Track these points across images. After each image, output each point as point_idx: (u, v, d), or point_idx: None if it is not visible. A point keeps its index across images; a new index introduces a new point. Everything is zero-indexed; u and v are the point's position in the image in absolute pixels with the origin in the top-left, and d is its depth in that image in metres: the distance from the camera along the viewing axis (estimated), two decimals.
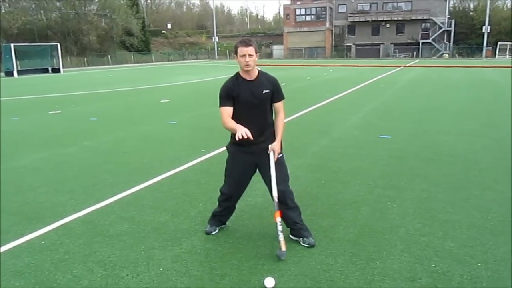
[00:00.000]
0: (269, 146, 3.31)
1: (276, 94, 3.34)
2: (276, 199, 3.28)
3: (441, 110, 10.34)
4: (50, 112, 11.04)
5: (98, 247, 3.43)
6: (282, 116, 3.40)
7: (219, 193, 3.65)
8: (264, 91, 3.26)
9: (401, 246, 3.37)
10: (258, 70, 3.30)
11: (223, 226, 3.73)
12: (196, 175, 5.37)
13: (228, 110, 3.26)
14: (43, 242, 3.55)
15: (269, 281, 2.83)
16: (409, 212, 4.05)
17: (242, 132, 3.07)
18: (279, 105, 3.38)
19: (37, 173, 5.58)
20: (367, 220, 3.89)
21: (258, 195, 4.48)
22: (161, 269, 3.09)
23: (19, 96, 15.51)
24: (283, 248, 3.16)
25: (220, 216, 3.68)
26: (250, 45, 3.14)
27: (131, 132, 8.30)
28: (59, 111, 11.19)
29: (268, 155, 3.31)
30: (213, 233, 3.64)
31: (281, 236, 3.18)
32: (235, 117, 3.27)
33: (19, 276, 3.02)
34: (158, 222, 3.91)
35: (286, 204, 3.35)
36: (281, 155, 3.41)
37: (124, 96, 14.84)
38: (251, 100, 3.24)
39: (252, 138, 3.12)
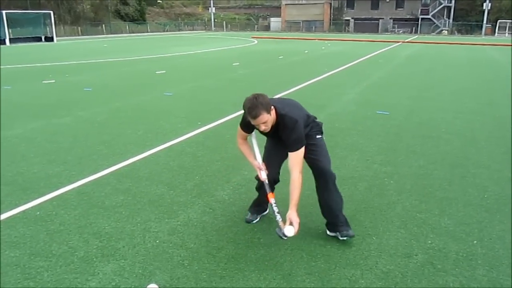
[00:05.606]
0: (287, 216, 2.69)
1: (287, 143, 2.83)
2: (266, 181, 3.01)
3: (439, 87, 10.27)
4: (43, 82, 10.86)
5: (94, 219, 3.41)
6: (295, 177, 2.76)
7: (256, 181, 3.33)
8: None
9: (397, 222, 3.38)
10: (277, 118, 2.82)
11: (264, 213, 3.47)
12: (192, 147, 5.32)
13: (243, 134, 3.08)
14: (38, 212, 3.52)
15: (289, 230, 2.62)
16: (406, 188, 4.05)
17: (259, 173, 3.01)
18: (291, 159, 2.82)
19: (31, 143, 5.50)
20: (364, 196, 3.88)
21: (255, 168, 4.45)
22: (157, 241, 3.08)
23: (12, 64, 15.22)
24: (283, 227, 2.71)
25: (263, 203, 3.36)
26: (259, 115, 2.65)
27: (126, 103, 8.19)
28: (53, 81, 11.01)
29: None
30: (254, 221, 3.38)
31: (278, 217, 2.78)
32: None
33: (14, 247, 3.00)
34: (154, 194, 3.88)
35: (328, 186, 3.08)
36: (319, 137, 3.07)
37: (119, 67, 14.61)
38: (275, 138, 3.00)
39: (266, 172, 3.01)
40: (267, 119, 2.71)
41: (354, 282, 2.62)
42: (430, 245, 3.04)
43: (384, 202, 3.74)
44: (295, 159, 2.80)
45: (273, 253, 2.91)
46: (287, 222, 2.65)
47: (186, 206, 3.65)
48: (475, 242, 3.09)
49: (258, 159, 3.06)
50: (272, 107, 2.75)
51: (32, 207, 3.62)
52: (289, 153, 2.83)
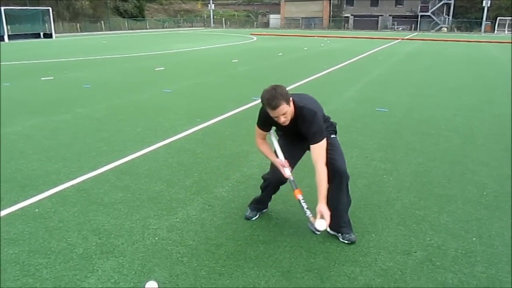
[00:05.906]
0: (317, 209, 2.65)
1: (308, 136, 2.77)
2: (291, 178, 2.94)
3: (439, 84, 10.27)
4: (42, 78, 10.83)
5: (93, 216, 3.40)
6: (321, 169, 2.72)
7: (262, 180, 3.29)
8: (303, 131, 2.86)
9: (397, 219, 3.38)
10: (295, 110, 2.78)
11: (264, 210, 3.44)
12: (191, 144, 5.31)
13: (261, 133, 3.02)
14: (36, 210, 3.51)
15: (321, 224, 2.57)
16: (405, 185, 4.05)
17: (283, 170, 2.89)
18: (314, 151, 2.75)
19: (30, 140, 5.49)
20: (363, 192, 3.88)
21: (254, 165, 4.46)
22: (156, 238, 3.08)
23: (11, 61, 15.19)
24: (314, 221, 2.64)
25: (265, 201, 3.41)
26: (279, 105, 2.61)
27: (125, 99, 8.17)
28: (52, 77, 10.98)
29: None
30: (253, 218, 3.36)
31: (308, 213, 2.70)
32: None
33: (13, 244, 2.99)
34: (153, 191, 3.88)
35: (342, 187, 3.00)
36: (334, 136, 3.07)
37: (117, 63, 14.57)
38: (292, 134, 2.95)
39: (290, 169, 2.91)
40: (286, 110, 2.66)
41: (353, 279, 2.62)
42: (429, 242, 3.04)
43: (383, 199, 3.74)
44: (319, 151, 2.75)
45: (272, 250, 2.91)
46: (318, 216, 2.60)
47: (185, 203, 3.64)
48: (474, 239, 3.09)
49: (280, 156, 2.98)
50: (291, 98, 2.73)
51: (31, 204, 3.62)
52: (312, 146, 2.77)
